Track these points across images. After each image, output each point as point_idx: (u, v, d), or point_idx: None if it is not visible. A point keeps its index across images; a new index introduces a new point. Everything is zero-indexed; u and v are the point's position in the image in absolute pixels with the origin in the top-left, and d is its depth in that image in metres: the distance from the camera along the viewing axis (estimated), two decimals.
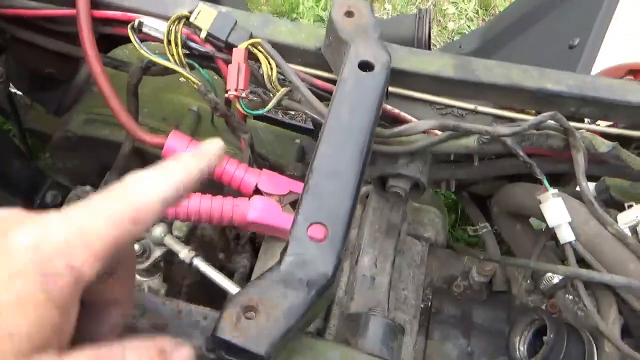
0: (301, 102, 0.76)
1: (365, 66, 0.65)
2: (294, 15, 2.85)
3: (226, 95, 0.74)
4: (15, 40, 0.91)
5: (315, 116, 0.75)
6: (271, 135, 1.15)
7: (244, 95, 0.74)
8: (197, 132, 1.10)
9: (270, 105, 0.76)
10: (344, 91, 0.61)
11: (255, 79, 0.80)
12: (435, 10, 2.96)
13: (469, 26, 2.93)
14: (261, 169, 0.84)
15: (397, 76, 0.78)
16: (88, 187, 1.11)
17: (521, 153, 0.78)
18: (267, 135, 1.13)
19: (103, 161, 1.13)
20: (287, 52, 0.80)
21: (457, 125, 0.74)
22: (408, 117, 0.79)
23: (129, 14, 0.79)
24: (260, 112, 0.77)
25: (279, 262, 0.43)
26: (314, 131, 1.12)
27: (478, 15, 3.00)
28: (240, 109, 0.76)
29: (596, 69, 1.03)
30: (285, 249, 0.44)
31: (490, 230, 1.09)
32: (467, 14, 2.99)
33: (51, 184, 1.19)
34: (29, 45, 0.91)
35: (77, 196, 1.13)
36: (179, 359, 0.28)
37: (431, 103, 0.82)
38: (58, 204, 1.20)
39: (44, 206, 1.19)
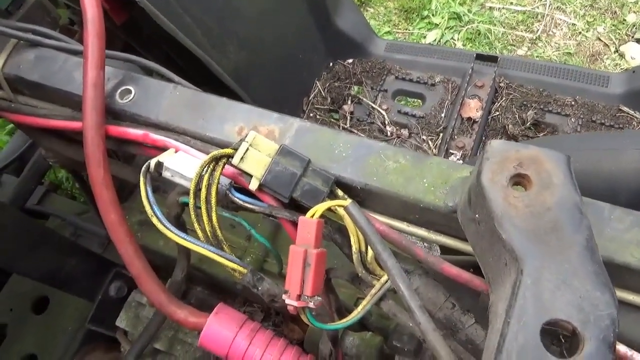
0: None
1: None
2: (425, 13, 2.41)
3: (284, 297, 0.43)
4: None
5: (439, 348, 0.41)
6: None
7: (312, 304, 0.42)
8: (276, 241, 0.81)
9: (355, 315, 0.44)
10: None
11: (337, 244, 0.48)
12: None
13: None
14: None
15: (613, 269, 0.41)
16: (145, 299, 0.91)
17: None
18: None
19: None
20: (399, 205, 0.47)
21: None
22: None
23: (152, 135, 0.52)
24: (339, 325, 0.45)
25: None
26: None
27: None
28: (307, 322, 0.44)
29: None
30: None
31: None
32: None
33: (115, 274, 1.01)
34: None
35: (135, 301, 0.94)
36: None
37: None
38: (123, 297, 1.03)
39: (108, 299, 1.03)
